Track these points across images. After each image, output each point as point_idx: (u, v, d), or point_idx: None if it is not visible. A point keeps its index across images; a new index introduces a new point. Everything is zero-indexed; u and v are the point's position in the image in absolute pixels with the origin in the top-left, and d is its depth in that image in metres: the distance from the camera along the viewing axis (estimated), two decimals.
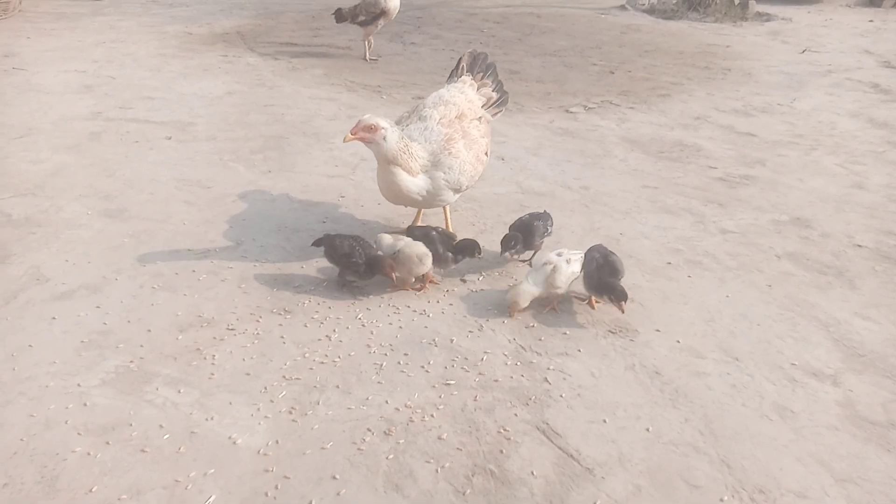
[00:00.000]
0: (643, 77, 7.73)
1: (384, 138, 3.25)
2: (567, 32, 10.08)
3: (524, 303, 3.15)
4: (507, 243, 3.45)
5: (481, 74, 4.00)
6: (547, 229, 3.64)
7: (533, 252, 3.63)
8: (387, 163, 3.33)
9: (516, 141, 5.57)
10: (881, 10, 12.49)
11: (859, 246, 3.96)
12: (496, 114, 4.04)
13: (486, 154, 3.75)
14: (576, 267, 3.22)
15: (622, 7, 12.22)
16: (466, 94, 3.80)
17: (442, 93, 3.76)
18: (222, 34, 9.15)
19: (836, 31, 10.61)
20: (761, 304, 3.35)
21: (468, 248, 3.44)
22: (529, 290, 3.13)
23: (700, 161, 5.26)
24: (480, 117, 3.80)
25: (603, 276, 3.13)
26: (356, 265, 3.26)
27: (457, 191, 3.58)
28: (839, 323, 3.22)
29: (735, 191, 4.71)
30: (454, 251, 3.43)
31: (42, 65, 7.41)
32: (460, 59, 4.03)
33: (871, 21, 11.42)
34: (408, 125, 3.57)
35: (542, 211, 3.76)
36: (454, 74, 3.99)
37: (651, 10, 11.92)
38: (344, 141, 3.22)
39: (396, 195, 3.48)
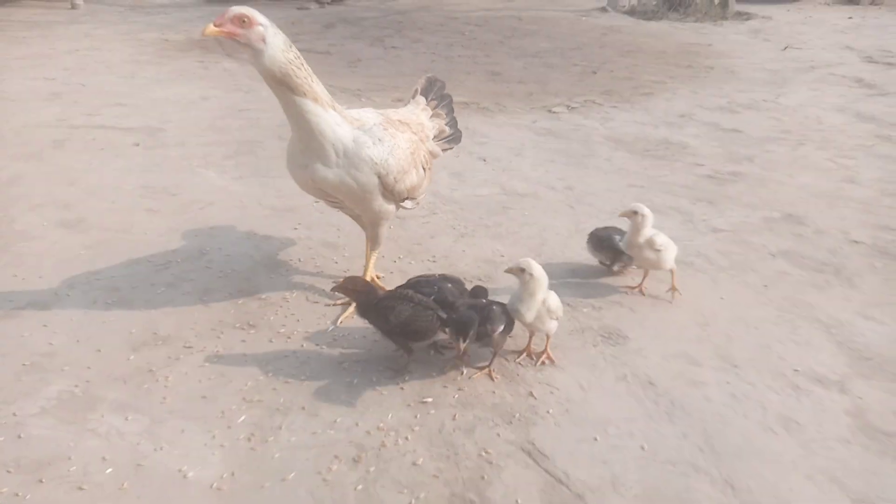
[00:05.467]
0: (625, 76, 7.58)
1: (264, 40, 2.44)
2: (548, 34, 9.94)
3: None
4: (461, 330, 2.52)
5: (435, 102, 3.57)
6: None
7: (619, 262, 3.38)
8: (276, 83, 2.53)
9: (499, 141, 5.38)
10: (860, 7, 12.51)
11: (856, 242, 3.79)
12: (445, 150, 3.57)
13: (424, 169, 3.16)
14: (552, 301, 2.68)
15: (603, 9, 12.14)
16: (418, 116, 3.36)
17: (385, 110, 3.22)
18: (200, 41, 8.90)
19: (816, 28, 10.57)
20: (758, 306, 3.16)
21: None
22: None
23: (686, 159, 5.08)
24: (423, 141, 3.24)
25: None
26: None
27: (387, 186, 2.85)
28: (842, 324, 3.03)
29: (724, 188, 4.54)
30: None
31: (9, 72, 7.14)
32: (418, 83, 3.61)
33: (850, 18, 11.40)
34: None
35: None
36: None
37: (632, 12, 11.85)
38: (204, 34, 2.34)
39: (307, 145, 2.65)
